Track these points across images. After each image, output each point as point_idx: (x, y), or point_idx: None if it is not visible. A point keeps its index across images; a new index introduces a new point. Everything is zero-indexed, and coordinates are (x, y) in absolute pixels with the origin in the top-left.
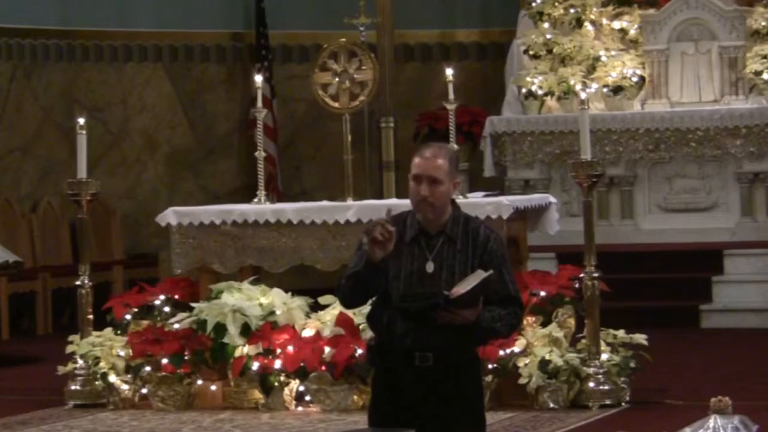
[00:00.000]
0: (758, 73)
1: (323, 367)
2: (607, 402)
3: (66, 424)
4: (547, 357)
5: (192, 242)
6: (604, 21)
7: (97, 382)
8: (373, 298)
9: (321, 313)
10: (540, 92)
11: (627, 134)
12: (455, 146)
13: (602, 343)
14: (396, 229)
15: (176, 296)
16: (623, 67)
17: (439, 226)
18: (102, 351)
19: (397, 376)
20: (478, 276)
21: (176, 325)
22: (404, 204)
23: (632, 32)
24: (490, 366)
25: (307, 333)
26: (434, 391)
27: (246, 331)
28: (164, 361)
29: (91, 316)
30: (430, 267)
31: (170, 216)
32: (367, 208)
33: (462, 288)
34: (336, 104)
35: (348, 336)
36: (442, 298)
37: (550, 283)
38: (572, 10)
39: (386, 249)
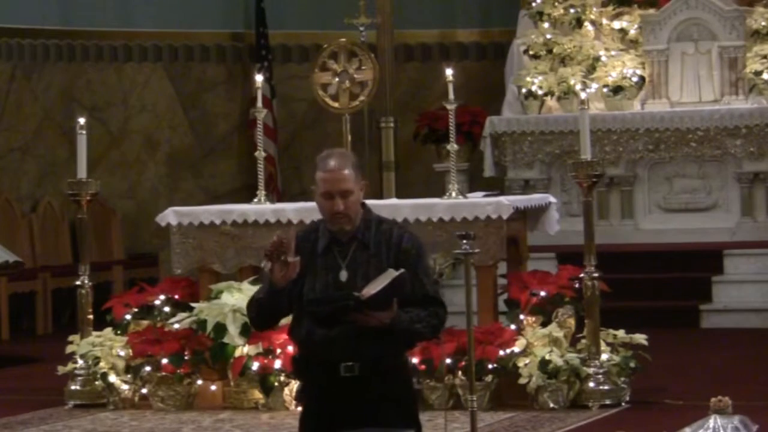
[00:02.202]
0: (758, 73)
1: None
2: (607, 402)
3: (66, 424)
4: (547, 357)
5: (192, 242)
6: (604, 21)
7: (97, 382)
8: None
9: None
10: (540, 92)
11: (627, 134)
12: (350, 151)
13: (602, 343)
14: (308, 241)
15: (176, 296)
16: (623, 67)
17: (350, 232)
18: (102, 351)
19: (323, 389)
20: (389, 275)
21: (176, 325)
22: (404, 204)
23: (632, 32)
24: (490, 366)
25: None
26: (364, 401)
27: (246, 331)
28: (164, 361)
29: (91, 316)
30: (343, 275)
31: (170, 216)
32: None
33: (373, 288)
34: (336, 104)
35: None
36: (353, 299)
37: (550, 283)
38: (572, 10)
39: (288, 275)
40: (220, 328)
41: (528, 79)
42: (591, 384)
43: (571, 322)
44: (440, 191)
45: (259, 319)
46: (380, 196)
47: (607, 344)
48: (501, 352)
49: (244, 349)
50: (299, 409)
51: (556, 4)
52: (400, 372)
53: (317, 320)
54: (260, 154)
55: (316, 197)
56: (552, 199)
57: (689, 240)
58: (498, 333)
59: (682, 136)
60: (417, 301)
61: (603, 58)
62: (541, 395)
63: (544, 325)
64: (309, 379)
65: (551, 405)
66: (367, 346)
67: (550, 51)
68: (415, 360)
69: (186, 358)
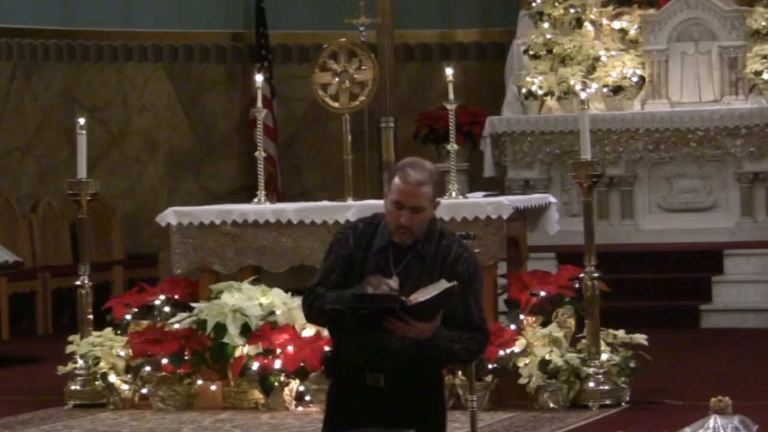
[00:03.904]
0: (758, 73)
1: (323, 367)
2: (607, 402)
3: (66, 424)
4: (547, 357)
5: (192, 242)
6: (604, 21)
7: (97, 382)
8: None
9: None
10: (540, 92)
11: (627, 134)
12: (434, 166)
13: (602, 343)
14: (366, 235)
15: (176, 296)
16: (623, 67)
17: (410, 241)
18: (102, 351)
19: (348, 394)
20: (440, 286)
21: (176, 325)
22: None
23: (632, 32)
24: (490, 366)
25: (307, 333)
26: (385, 413)
27: (246, 331)
28: (164, 361)
29: (91, 316)
30: (394, 282)
31: (170, 216)
32: (367, 208)
33: (421, 296)
34: (336, 104)
35: None
36: (399, 302)
37: (550, 283)
38: (572, 10)
39: None
40: (220, 328)
41: (528, 79)
42: (591, 384)
43: (571, 322)
44: None
45: (323, 323)
46: (380, 196)
47: (607, 344)
48: (501, 352)
49: (244, 349)
50: (300, 409)
51: (556, 4)
52: (430, 388)
53: (356, 317)
54: (260, 154)
55: (386, 200)
56: (552, 199)
57: (689, 240)
58: (498, 333)
59: (682, 136)
60: (460, 326)
61: (603, 58)
62: (541, 395)
63: (544, 325)
64: (336, 381)
65: (551, 405)
66: (395, 358)
67: (550, 51)
68: None
69: (186, 358)
